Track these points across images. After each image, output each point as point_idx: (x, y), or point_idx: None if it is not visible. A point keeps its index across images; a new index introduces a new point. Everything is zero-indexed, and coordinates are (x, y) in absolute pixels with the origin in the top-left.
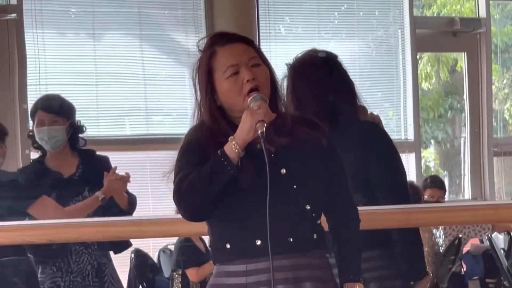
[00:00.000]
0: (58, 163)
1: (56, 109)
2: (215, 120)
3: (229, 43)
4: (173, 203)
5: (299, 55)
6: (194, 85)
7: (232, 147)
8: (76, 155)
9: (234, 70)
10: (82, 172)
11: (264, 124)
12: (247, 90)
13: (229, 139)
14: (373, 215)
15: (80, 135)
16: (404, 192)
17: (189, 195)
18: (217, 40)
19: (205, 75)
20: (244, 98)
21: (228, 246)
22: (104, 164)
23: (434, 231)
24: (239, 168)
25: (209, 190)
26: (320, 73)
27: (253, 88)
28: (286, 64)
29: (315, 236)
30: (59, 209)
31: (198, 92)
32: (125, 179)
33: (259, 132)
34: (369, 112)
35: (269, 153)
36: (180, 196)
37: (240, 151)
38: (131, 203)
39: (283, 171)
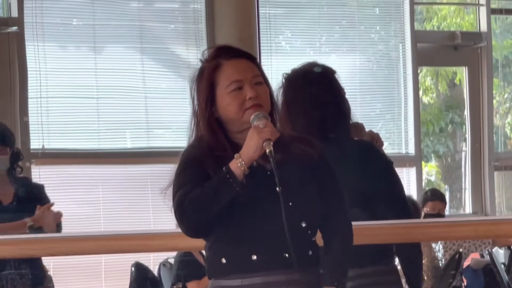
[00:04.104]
0: None
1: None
2: (212, 132)
3: (234, 58)
4: (174, 217)
5: (296, 67)
6: (192, 94)
7: (238, 165)
8: (12, 183)
9: (237, 86)
10: (17, 200)
11: (271, 142)
12: (248, 107)
13: (235, 156)
14: (374, 230)
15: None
16: (405, 206)
17: (193, 212)
18: (222, 53)
19: (207, 87)
20: (244, 112)
21: (224, 260)
22: (38, 192)
23: (433, 245)
24: (242, 185)
25: (213, 207)
26: (313, 88)
27: (254, 106)
28: (282, 75)
29: (310, 252)
30: None
31: (196, 102)
32: (58, 216)
33: (267, 151)
34: (368, 130)
35: (265, 171)
36: (182, 213)
37: (246, 169)
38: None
39: (279, 188)
